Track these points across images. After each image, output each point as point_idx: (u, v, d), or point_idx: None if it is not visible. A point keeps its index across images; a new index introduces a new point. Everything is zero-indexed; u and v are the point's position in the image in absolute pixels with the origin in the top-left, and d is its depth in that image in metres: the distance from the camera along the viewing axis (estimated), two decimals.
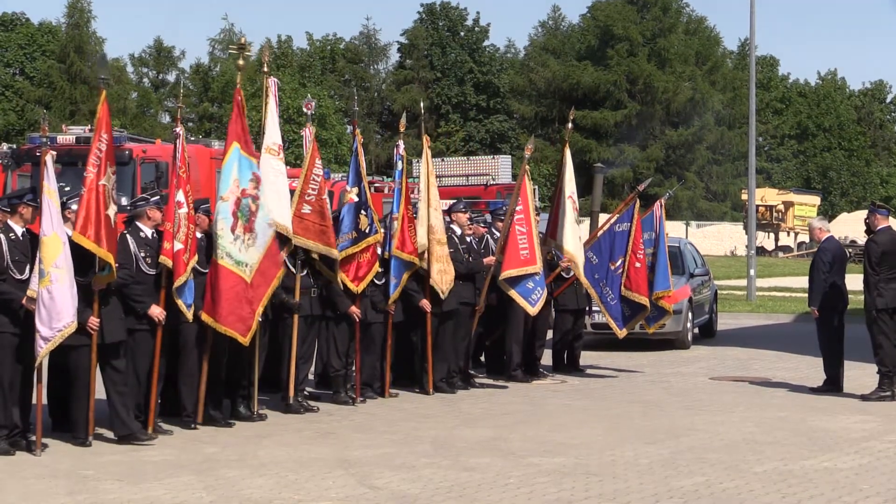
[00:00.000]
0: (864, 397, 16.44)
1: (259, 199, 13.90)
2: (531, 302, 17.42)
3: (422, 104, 19.03)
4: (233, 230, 13.65)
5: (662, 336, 21.97)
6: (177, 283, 13.14)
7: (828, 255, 17.49)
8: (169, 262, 13.09)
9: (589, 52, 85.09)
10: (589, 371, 19.25)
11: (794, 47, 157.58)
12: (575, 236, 18.20)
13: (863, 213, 75.70)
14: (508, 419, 14.76)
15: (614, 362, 20.30)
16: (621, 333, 18.91)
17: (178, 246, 13.17)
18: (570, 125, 19.85)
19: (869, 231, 16.79)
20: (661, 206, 19.30)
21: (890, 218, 17.18)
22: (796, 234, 70.21)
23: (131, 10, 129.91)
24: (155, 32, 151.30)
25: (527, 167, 18.09)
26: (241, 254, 13.65)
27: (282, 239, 14.24)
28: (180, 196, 13.31)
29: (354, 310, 15.38)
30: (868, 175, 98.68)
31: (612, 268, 18.62)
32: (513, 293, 17.33)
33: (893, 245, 16.53)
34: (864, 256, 17.00)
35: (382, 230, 15.95)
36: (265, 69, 15.13)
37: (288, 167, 15.28)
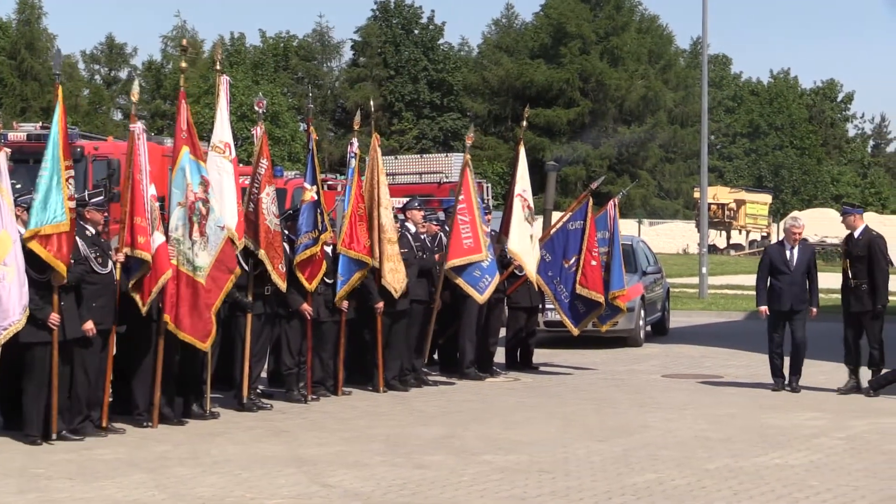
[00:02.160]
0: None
1: (209, 202, 13.87)
2: (479, 290, 17.47)
3: (371, 102, 18.97)
4: (190, 235, 13.64)
5: (615, 334, 22.03)
6: (161, 281, 13.18)
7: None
8: (147, 256, 13.09)
9: (542, 50, 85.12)
10: (542, 369, 19.30)
11: (747, 46, 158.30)
12: (522, 235, 18.22)
13: (814, 212, 76.06)
14: (461, 417, 14.78)
15: (567, 360, 20.35)
16: (576, 331, 18.96)
17: (161, 239, 13.23)
18: (524, 123, 19.87)
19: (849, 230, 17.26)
20: (614, 205, 19.36)
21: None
22: (748, 232, 70.58)
23: (83, 7, 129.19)
24: (107, 29, 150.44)
25: (468, 157, 18.13)
26: (197, 258, 13.62)
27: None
28: (153, 190, 13.38)
29: (306, 307, 15.37)
30: (819, 173, 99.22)
31: (566, 265, 18.66)
32: (459, 281, 17.36)
33: None
34: (877, 254, 17.07)
35: (332, 229, 15.94)
36: (217, 67, 15.10)
37: (241, 165, 15.23)
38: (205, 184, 13.85)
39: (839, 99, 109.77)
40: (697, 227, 43.97)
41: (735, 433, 13.68)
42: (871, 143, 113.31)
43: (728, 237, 70.49)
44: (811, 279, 17.45)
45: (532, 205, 18.70)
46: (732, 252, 67.89)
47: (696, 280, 37.55)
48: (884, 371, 16.57)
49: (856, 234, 17.16)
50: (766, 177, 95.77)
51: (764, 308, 17.38)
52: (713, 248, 60.65)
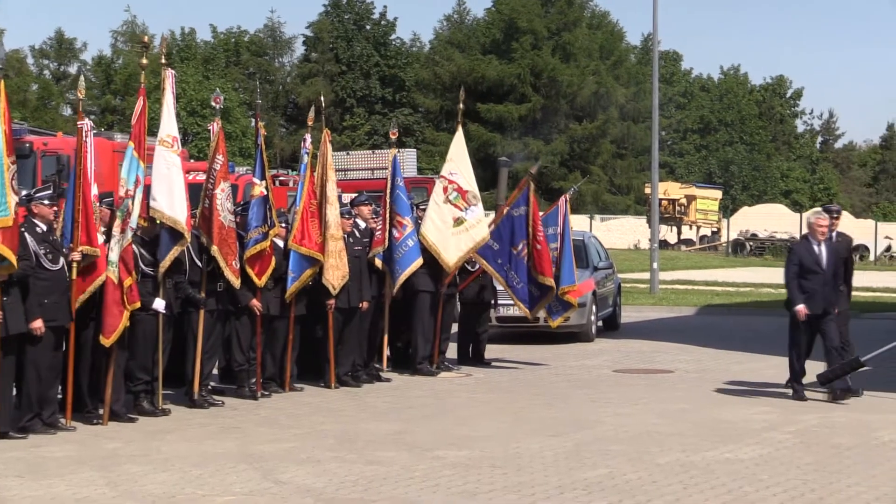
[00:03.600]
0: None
1: (134, 201, 13.75)
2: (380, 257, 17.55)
3: (323, 97, 18.97)
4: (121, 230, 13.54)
5: (567, 329, 22.09)
6: (99, 280, 13.12)
7: None
8: (97, 252, 13.05)
9: (493, 45, 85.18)
10: (494, 364, 19.31)
11: (697, 42, 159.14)
12: (439, 219, 18.17)
13: (764, 207, 76.24)
14: (414, 413, 14.78)
15: (519, 355, 20.38)
16: (531, 314, 19.01)
17: (102, 238, 13.21)
18: (461, 106, 19.84)
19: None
20: (566, 201, 19.40)
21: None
22: (698, 227, 70.90)
23: (32, 1, 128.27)
24: (56, 24, 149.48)
25: (395, 150, 18.31)
26: (111, 253, 13.49)
27: (174, 234, 14.09)
28: (96, 189, 13.33)
29: (256, 303, 15.33)
30: (769, 169, 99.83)
31: (515, 252, 18.70)
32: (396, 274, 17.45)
33: None
34: (851, 254, 17.02)
35: (283, 224, 15.90)
36: (163, 61, 15.07)
37: (193, 160, 15.19)
38: (137, 182, 13.74)
39: (788, 95, 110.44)
40: (649, 222, 44.17)
41: (686, 427, 13.74)
42: (820, 139, 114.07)
43: (679, 233, 70.77)
44: (846, 277, 16.26)
45: (466, 188, 18.51)
46: (683, 247, 68.18)
47: (647, 275, 37.70)
48: (832, 366, 16.64)
49: (833, 236, 16.32)
50: (717, 172, 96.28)
51: (802, 307, 15.55)
52: (664, 244, 60.91)
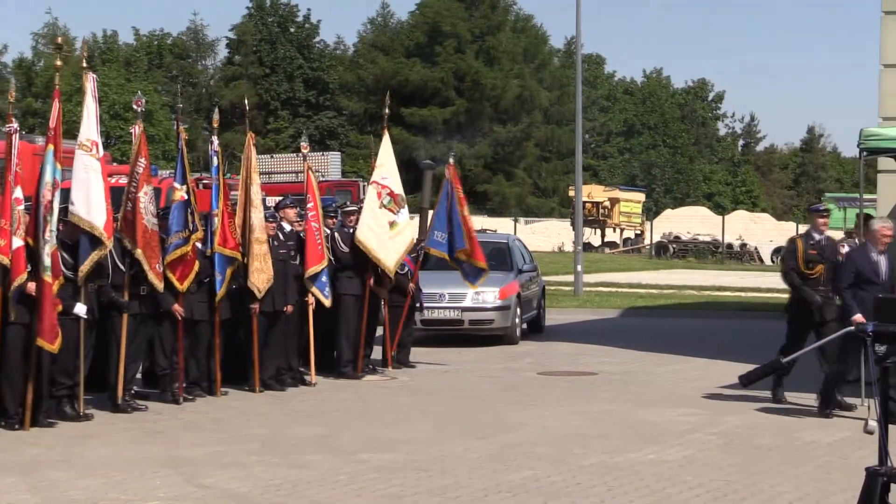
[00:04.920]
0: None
1: (53, 203, 13.63)
2: (326, 295, 17.48)
3: (246, 100, 18.95)
4: (44, 234, 13.40)
5: (491, 332, 22.21)
6: (16, 283, 12.98)
7: None
8: (6, 260, 12.90)
9: (417, 48, 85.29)
10: (419, 367, 19.33)
11: (620, 46, 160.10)
12: (375, 224, 18.23)
13: (687, 210, 76.90)
14: (338, 416, 14.76)
15: (444, 358, 20.40)
16: (475, 287, 20.05)
17: (18, 243, 13.03)
18: (386, 111, 19.89)
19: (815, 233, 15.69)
20: (450, 170, 19.78)
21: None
22: (622, 230, 71.30)
23: None
24: None
25: (308, 165, 18.28)
26: (46, 258, 13.37)
27: (94, 239, 13.96)
28: (18, 192, 13.17)
29: (177, 308, 15.23)
30: (691, 172, 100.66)
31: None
32: (314, 290, 17.36)
33: None
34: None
35: (202, 227, 15.82)
36: (84, 64, 14.95)
37: (115, 163, 15.10)
38: (55, 185, 13.60)
39: (710, 98, 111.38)
40: (573, 225, 44.33)
41: (610, 429, 13.81)
42: (742, 141, 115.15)
43: (603, 235, 71.14)
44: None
45: (397, 192, 18.65)
46: (607, 250, 68.53)
47: (571, 278, 37.83)
48: (755, 366, 16.73)
49: (821, 239, 15.65)
50: (640, 175, 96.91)
51: (859, 316, 13.74)
52: (588, 246, 61.17)
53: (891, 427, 6.13)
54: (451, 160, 20.02)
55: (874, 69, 19.03)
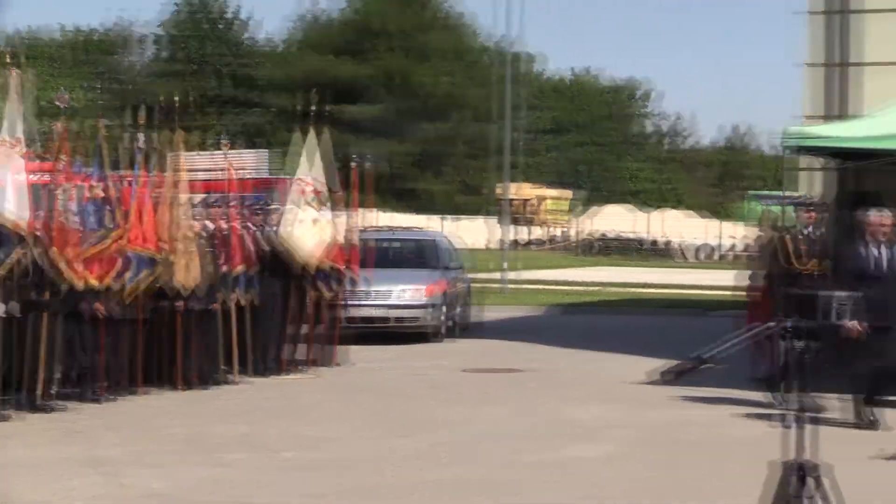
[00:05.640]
0: None
1: None
2: (250, 294, 17.42)
3: (176, 98, 18.79)
4: None
5: (417, 329, 22.22)
6: None
7: None
8: None
9: (347, 46, 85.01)
10: (344, 364, 19.25)
11: (550, 44, 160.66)
12: (296, 222, 18.16)
13: (613, 207, 77.35)
14: (263, 414, 14.68)
15: (369, 355, 20.34)
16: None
17: None
18: (313, 107, 19.84)
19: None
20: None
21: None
22: (549, 227, 71.54)
23: None
24: None
25: (231, 162, 18.24)
26: None
27: (12, 238, 13.80)
28: None
29: (98, 306, 15.06)
30: (619, 170, 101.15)
31: None
32: (237, 289, 17.31)
33: None
34: None
35: (126, 224, 15.67)
36: (8, 60, 14.81)
37: (38, 160, 14.96)
38: None
39: (638, 97, 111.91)
40: (500, 222, 44.43)
41: (536, 426, 13.83)
42: (668, 139, 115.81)
43: (530, 232, 71.34)
44: None
45: (320, 189, 18.62)
46: (534, 247, 68.75)
47: (498, 275, 37.90)
48: (678, 362, 16.85)
49: (809, 233, 15.36)
50: (568, 173, 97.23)
51: (855, 323, 12.85)
52: (515, 244, 61.32)
53: (806, 421, 6.19)
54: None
55: (798, 68, 19.18)
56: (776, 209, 19.29)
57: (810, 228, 15.34)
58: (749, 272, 18.19)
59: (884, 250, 13.51)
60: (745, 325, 17.92)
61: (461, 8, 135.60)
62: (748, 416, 14.50)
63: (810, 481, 6.10)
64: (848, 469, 10.77)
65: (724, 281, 38.75)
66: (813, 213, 15.38)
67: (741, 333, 17.53)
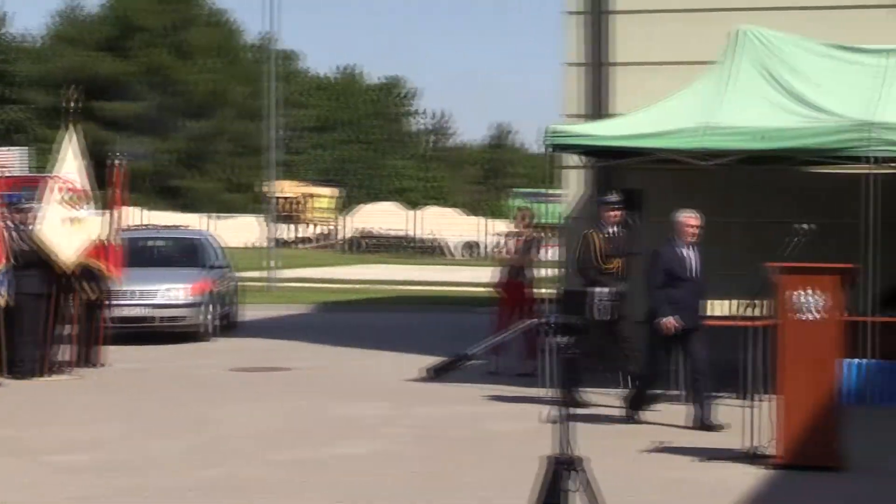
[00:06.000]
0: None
1: None
2: (7, 294, 17.07)
3: None
4: None
5: (183, 328, 22.00)
6: None
7: None
8: None
9: (108, 42, 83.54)
10: (109, 365, 18.94)
11: (315, 41, 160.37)
12: (52, 220, 17.85)
13: (380, 205, 77.54)
14: (24, 417, 14.34)
15: (135, 356, 20.07)
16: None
17: None
18: (71, 104, 19.48)
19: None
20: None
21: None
22: (315, 225, 71.49)
23: None
24: None
25: None
26: None
27: None
28: None
29: None
30: (385, 168, 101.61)
31: None
32: None
33: None
34: None
35: None
36: None
37: None
38: None
39: (403, 95, 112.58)
40: (266, 220, 44.26)
41: (303, 424, 13.84)
42: (433, 137, 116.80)
43: (296, 231, 71.17)
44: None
45: (81, 187, 18.31)
46: (301, 245, 68.62)
47: (265, 273, 37.76)
48: (444, 358, 16.98)
49: (614, 231, 15.12)
50: (333, 171, 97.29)
51: (671, 319, 13.29)
52: (282, 242, 61.13)
53: (571, 416, 6.33)
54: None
55: (558, 68, 19.57)
56: (540, 206, 19.69)
57: (614, 227, 15.10)
58: (500, 269, 18.58)
59: (693, 252, 13.50)
60: (497, 320, 18.29)
61: (224, 4, 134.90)
62: (514, 411, 14.74)
63: (572, 475, 6.25)
64: (613, 462, 11.13)
65: (488, 278, 39.49)
66: (616, 212, 15.13)
67: (504, 329, 17.85)
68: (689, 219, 13.46)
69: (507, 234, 19.14)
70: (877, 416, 14.31)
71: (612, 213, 15.11)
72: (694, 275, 13.42)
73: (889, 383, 15.22)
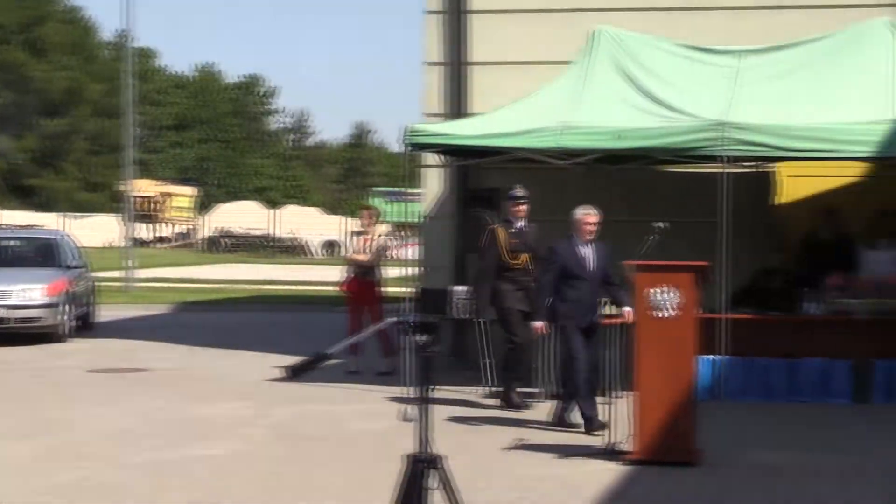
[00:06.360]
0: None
1: None
2: None
3: None
4: None
5: (39, 329, 21.69)
6: None
7: None
8: None
9: None
10: None
11: (172, 39, 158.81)
12: None
13: (239, 204, 77.14)
14: None
15: None
16: None
17: None
18: None
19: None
20: None
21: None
22: (174, 224, 70.86)
23: None
24: None
25: None
26: None
27: None
28: None
29: None
30: (244, 166, 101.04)
31: None
32: None
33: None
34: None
35: None
36: None
37: None
38: None
39: (262, 93, 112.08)
40: (124, 220, 43.82)
41: (162, 426, 13.70)
42: (293, 136, 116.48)
43: (155, 230, 70.47)
44: (612, 281, 13.33)
45: None
46: (159, 245, 67.96)
47: (122, 273, 37.33)
48: (303, 357, 17.01)
49: (521, 226, 14.93)
50: (192, 169, 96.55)
51: (540, 324, 13.36)
52: (140, 242, 60.49)
53: (430, 414, 6.36)
54: None
55: (418, 67, 19.64)
56: (391, 205, 19.72)
57: (522, 223, 14.92)
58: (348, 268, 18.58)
59: (590, 249, 13.19)
60: (349, 320, 18.29)
61: (78, 2, 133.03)
62: (375, 410, 14.75)
63: (432, 473, 6.29)
64: (473, 459, 11.21)
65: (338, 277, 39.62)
66: (523, 206, 14.91)
67: (357, 329, 17.88)
68: (587, 216, 13.16)
69: (353, 233, 19.15)
70: (730, 411, 14.60)
71: (518, 208, 14.91)
72: (592, 273, 13.13)
73: (741, 379, 15.53)
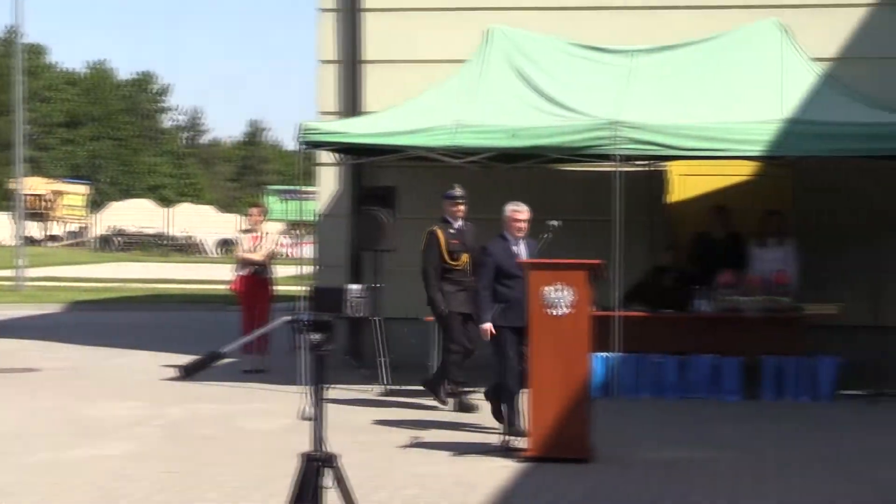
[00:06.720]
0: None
1: None
2: None
3: None
4: None
5: None
6: None
7: None
8: None
9: None
10: None
11: (63, 35, 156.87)
12: None
13: (133, 202, 76.55)
14: None
15: None
16: None
17: None
18: None
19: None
20: None
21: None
22: (66, 223, 70.06)
23: None
24: None
25: None
26: None
27: None
28: None
29: None
30: (137, 164, 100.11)
31: None
32: None
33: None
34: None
35: None
36: None
37: None
38: None
39: (155, 91, 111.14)
40: (14, 218, 43.27)
41: (53, 426, 13.55)
42: (186, 134, 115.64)
43: (46, 228, 69.62)
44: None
45: None
46: (51, 244, 67.14)
47: (13, 272, 36.86)
48: (197, 357, 16.85)
49: (460, 226, 14.76)
50: (84, 167, 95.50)
51: (488, 326, 12.53)
52: (31, 240, 59.73)
53: (326, 413, 6.36)
54: None
55: (314, 65, 19.61)
56: (285, 203, 19.64)
57: (460, 223, 14.68)
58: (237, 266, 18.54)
59: (523, 246, 12.67)
60: (242, 319, 18.26)
61: None
62: (270, 408, 14.73)
63: (326, 471, 6.29)
64: (370, 457, 11.23)
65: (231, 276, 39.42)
66: (460, 206, 14.64)
67: (250, 327, 17.83)
68: (516, 212, 12.67)
69: (242, 231, 19.12)
70: (624, 407, 14.75)
71: (457, 208, 14.67)
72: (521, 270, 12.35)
73: (634, 376, 15.70)
